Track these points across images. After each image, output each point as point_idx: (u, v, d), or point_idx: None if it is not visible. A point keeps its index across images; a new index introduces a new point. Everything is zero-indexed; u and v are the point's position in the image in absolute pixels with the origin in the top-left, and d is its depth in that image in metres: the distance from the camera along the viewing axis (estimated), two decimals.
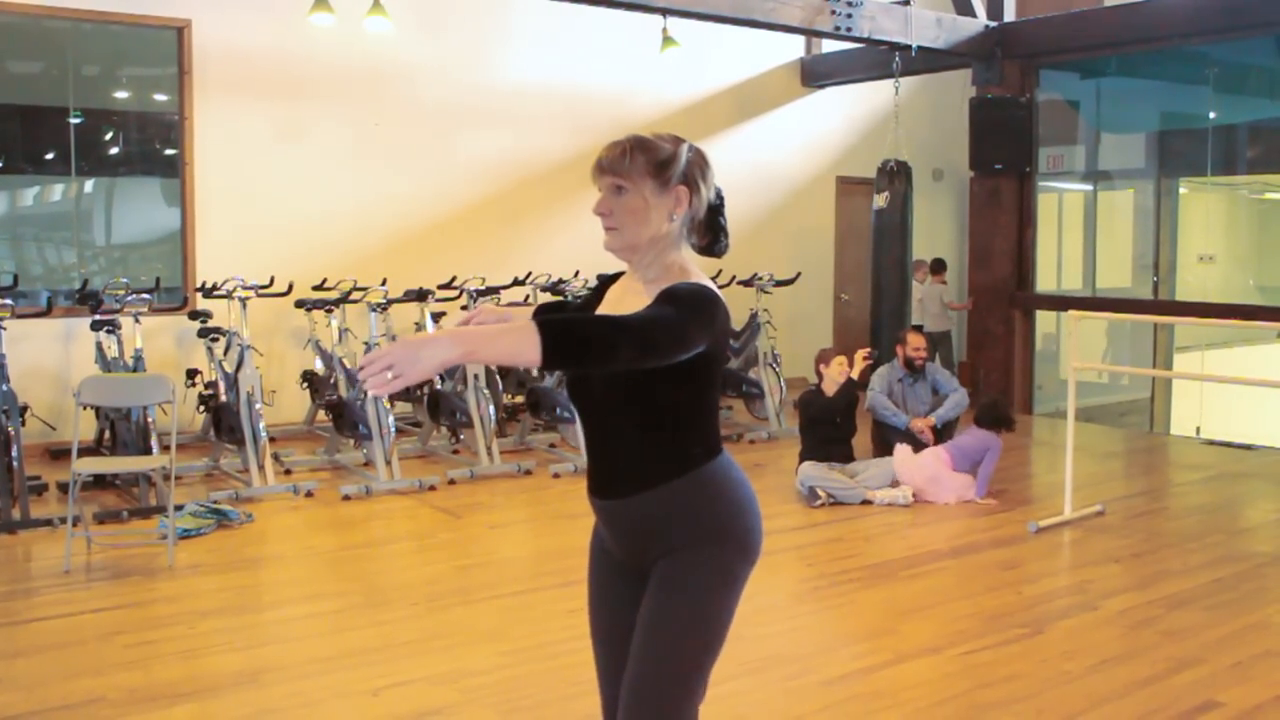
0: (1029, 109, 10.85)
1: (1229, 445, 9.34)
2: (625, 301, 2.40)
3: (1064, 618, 5.02)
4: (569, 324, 2.10)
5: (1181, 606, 5.14)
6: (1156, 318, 11.05)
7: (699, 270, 2.36)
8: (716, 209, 2.43)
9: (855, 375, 7.38)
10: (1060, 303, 11.09)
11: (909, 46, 9.87)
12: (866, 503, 7.04)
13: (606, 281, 2.57)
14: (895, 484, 7.17)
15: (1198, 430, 10.96)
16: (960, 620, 4.95)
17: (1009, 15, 10.92)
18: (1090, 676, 4.29)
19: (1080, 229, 12.26)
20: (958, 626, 4.86)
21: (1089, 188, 12.19)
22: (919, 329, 8.84)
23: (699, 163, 2.38)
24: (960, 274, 12.50)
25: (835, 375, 7.39)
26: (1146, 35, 10.15)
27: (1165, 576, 5.64)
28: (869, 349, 7.74)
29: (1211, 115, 11.16)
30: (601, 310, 2.48)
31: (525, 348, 2.01)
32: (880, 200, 10.22)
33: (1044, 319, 11.82)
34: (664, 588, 2.33)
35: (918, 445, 7.47)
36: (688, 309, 2.19)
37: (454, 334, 2.01)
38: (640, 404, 2.30)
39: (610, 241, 2.37)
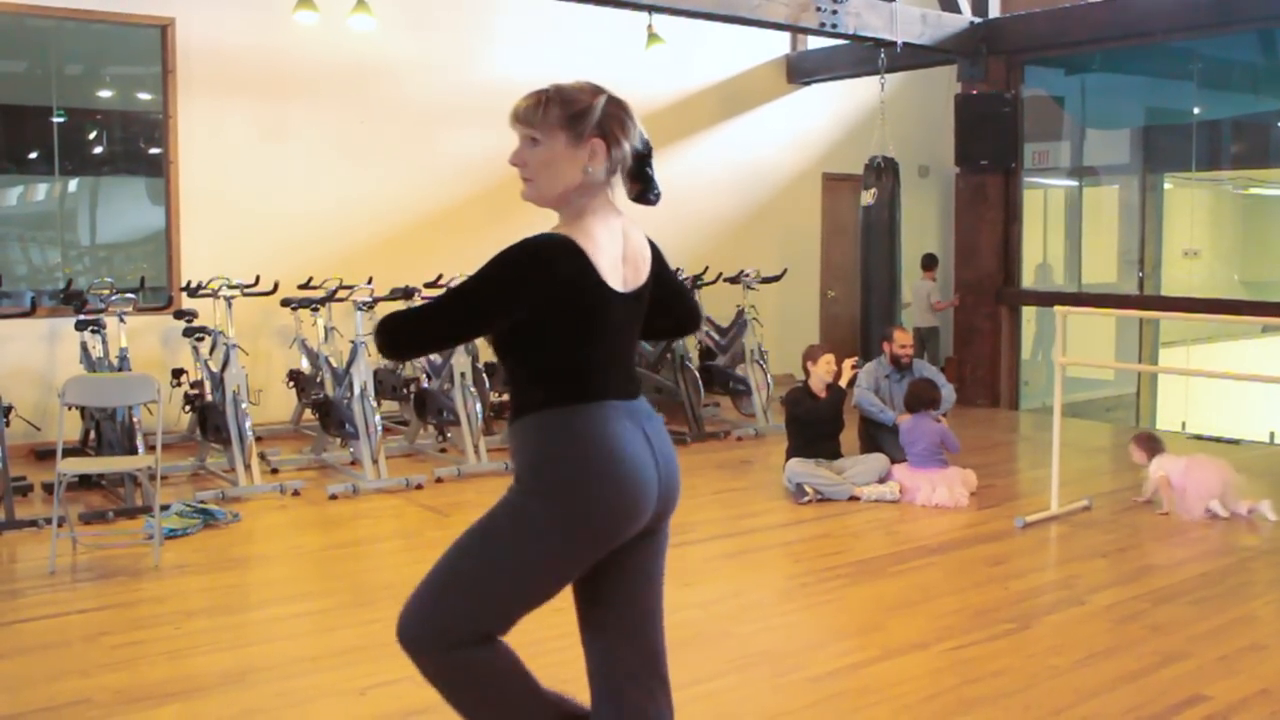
0: (1014, 105, 10.87)
1: (1215, 439, 9.37)
2: None
3: (1051, 613, 5.03)
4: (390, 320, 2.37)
5: (1168, 601, 5.16)
6: (1142, 313, 11.08)
7: (593, 221, 2.37)
8: (643, 157, 2.43)
9: (844, 384, 7.36)
10: (1046, 298, 11.12)
11: (894, 43, 9.88)
12: (854, 499, 7.05)
13: None
14: (882, 480, 7.17)
15: (1184, 425, 11.00)
16: (948, 616, 4.96)
17: (994, 11, 10.94)
18: (1077, 671, 4.30)
19: (1065, 225, 12.30)
20: (945, 622, 4.87)
21: (1074, 183, 12.23)
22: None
23: (618, 114, 2.37)
24: (946, 270, 12.53)
25: (823, 373, 7.38)
26: (1131, 31, 10.18)
27: (1152, 571, 5.66)
28: (856, 358, 7.69)
29: (1196, 110, 11.20)
30: None
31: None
32: (868, 197, 10.22)
33: (1029, 315, 11.83)
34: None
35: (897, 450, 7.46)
36: (473, 279, 2.33)
37: None
38: (500, 341, 2.42)
39: (526, 193, 2.39)
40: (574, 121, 2.32)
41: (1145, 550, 6.08)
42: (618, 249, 2.40)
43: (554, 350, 2.36)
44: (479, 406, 7.95)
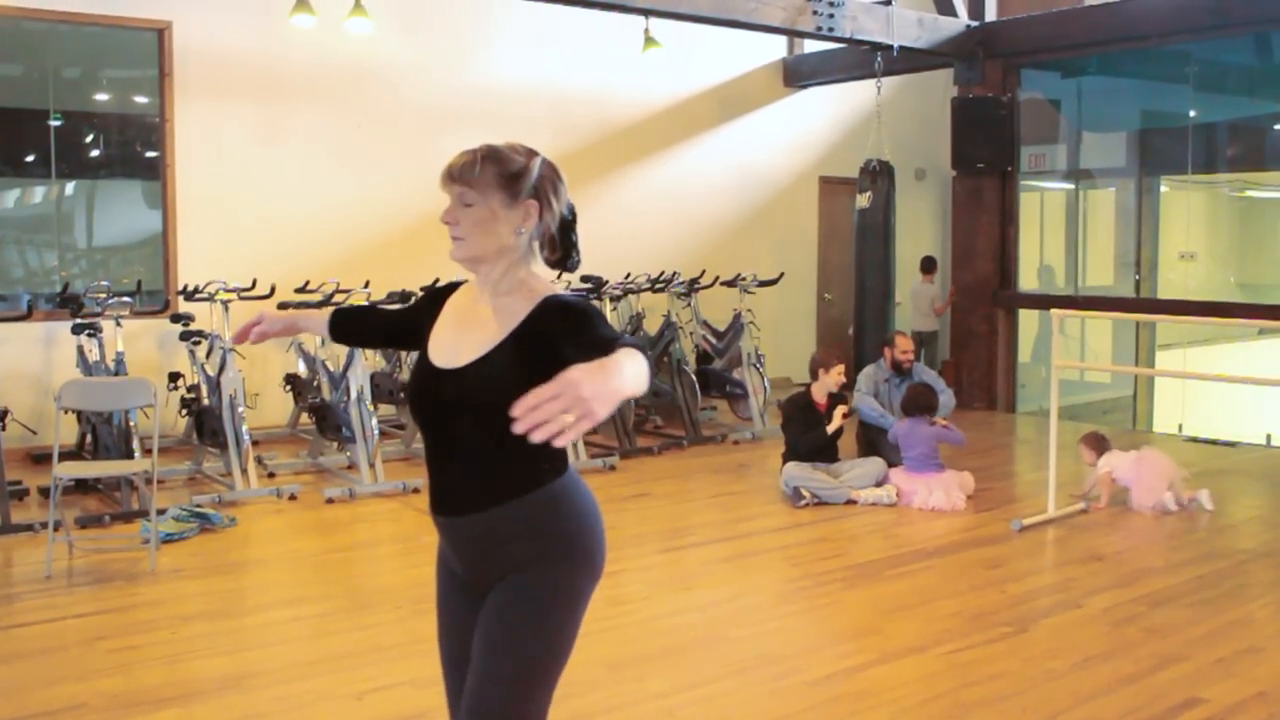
0: (1010, 108, 10.88)
1: (1211, 442, 9.38)
2: (475, 313, 2.36)
3: (1048, 616, 5.04)
4: (640, 351, 2.06)
5: (1165, 604, 5.16)
6: (1138, 316, 11.09)
7: (549, 283, 2.35)
8: (569, 224, 2.40)
9: (830, 430, 7.29)
10: (1043, 301, 11.13)
11: (891, 46, 9.89)
12: (851, 502, 7.04)
13: (441, 293, 2.52)
14: (880, 484, 7.17)
15: (1180, 427, 11.00)
16: (945, 619, 4.96)
17: (990, 15, 10.95)
18: (1074, 674, 4.30)
19: (1062, 228, 12.31)
20: (942, 625, 4.87)
21: (1071, 186, 12.23)
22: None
23: (551, 177, 2.35)
24: (943, 273, 12.53)
25: (831, 383, 7.33)
26: (1127, 34, 10.19)
27: (1148, 574, 5.66)
28: (850, 407, 7.60)
29: (1192, 114, 11.21)
30: (442, 324, 2.43)
31: (643, 377, 1.96)
32: (863, 200, 10.23)
33: (1027, 317, 11.83)
34: (508, 604, 2.30)
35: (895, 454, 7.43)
36: (608, 326, 2.21)
37: (609, 370, 1.86)
38: (494, 419, 2.19)
39: (455, 251, 2.34)
40: (510, 182, 2.29)
41: (1142, 553, 6.09)
42: None
43: None
44: None
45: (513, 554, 2.30)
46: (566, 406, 1.77)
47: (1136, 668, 4.36)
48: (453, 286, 2.51)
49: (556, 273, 2.48)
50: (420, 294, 2.69)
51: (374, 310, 2.87)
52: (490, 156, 2.30)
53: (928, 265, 11.86)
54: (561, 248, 2.41)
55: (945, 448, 7.33)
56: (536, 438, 1.77)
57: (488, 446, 2.28)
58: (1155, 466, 6.99)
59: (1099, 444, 7.21)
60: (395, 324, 2.68)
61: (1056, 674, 4.31)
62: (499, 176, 2.29)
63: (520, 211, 2.31)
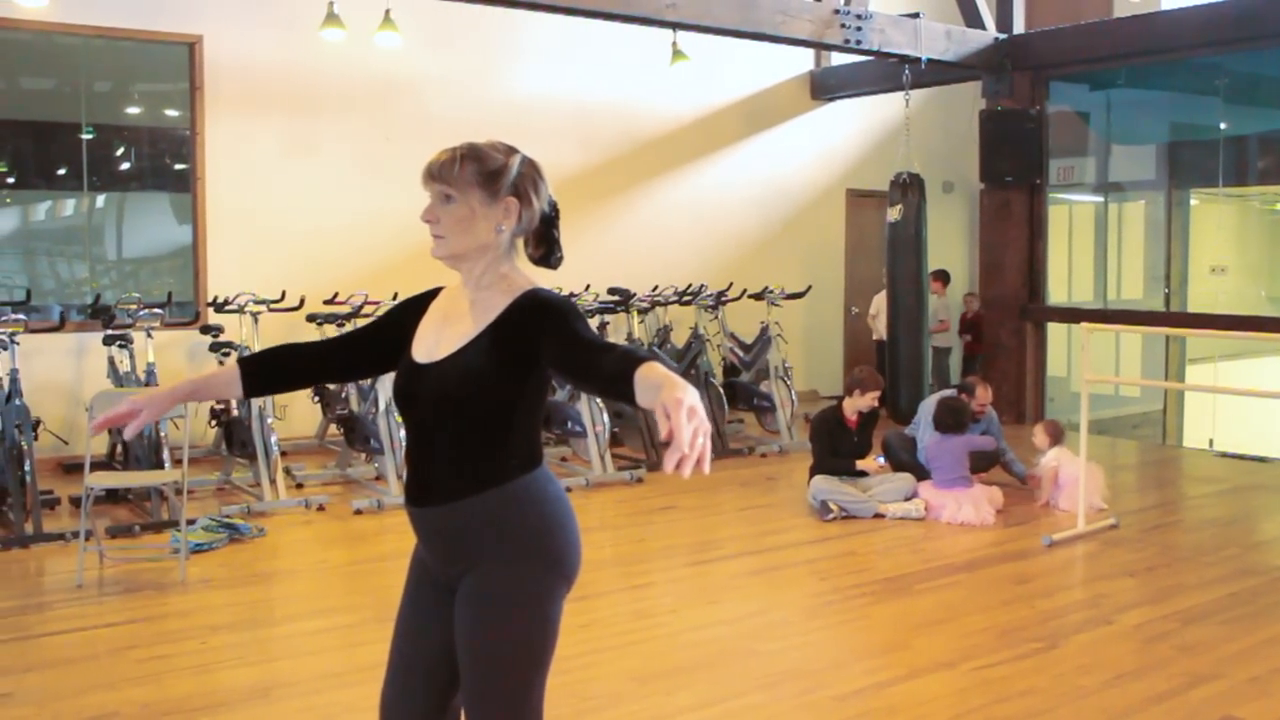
0: (1039, 121, 10.83)
1: (1243, 457, 9.29)
2: (456, 309, 2.39)
3: (1079, 632, 4.99)
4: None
5: (1197, 621, 5.11)
6: (1168, 330, 11.01)
7: (530, 279, 2.37)
8: (550, 220, 2.42)
9: (860, 466, 7.28)
10: (1071, 315, 11.06)
11: (918, 59, 9.87)
12: (879, 516, 7.01)
13: (424, 298, 2.52)
14: (908, 498, 7.14)
15: (1211, 442, 10.93)
16: (974, 635, 4.93)
17: (1018, 27, 10.91)
18: (1106, 691, 4.26)
19: (1091, 241, 12.24)
20: (972, 641, 4.84)
21: (1100, 199, 12.18)
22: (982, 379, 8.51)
23: (531, 174, 2.37)
24: (972, 286, 12.46)
25: (862, 405, 7.26)
26: (1156, 46, 10.14)
27: (1181, 590, 5.61)
28: (885, 460, 7.56)
29: (1222, 126, 11.15)
30: (426, 323, 2.43)
31: None
32: (894, 213, 10.19)
33: (1055, 331, 11.77)
34: (474, 604, 2.31)
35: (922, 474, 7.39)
36: (585, 322, 2.23)
37: (672, 378, 1.89)
38: (468, 413, 2.28)
39: (436, 249, 2.37)
40: (490, 180, 2.32)
41: (1174, 569, 6.03)
42: None
43: (537, 410, 2.37)
44: None
45: (476, 548, 2.31)
46: (696, 428, 1.79)
47: (1169, 685, 4.32)
48: (435, 292, 2.53)
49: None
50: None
51: (304, 346, 2.60)
52: (469, 155, 2.32)
53: (941, 278, 11.68)
54: (544, 244, 2.43)
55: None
56: (686, 471, 1.78)
57: (458, 439, 2.30)
58: (1094, 472, 7.11)
59: (1055, 433, 7.44)
60: (347, 349, 2.55)
61: (1088, 691, 4.27)
62: (478, 174, 2.31)
63: (500, 209, 2.33)
